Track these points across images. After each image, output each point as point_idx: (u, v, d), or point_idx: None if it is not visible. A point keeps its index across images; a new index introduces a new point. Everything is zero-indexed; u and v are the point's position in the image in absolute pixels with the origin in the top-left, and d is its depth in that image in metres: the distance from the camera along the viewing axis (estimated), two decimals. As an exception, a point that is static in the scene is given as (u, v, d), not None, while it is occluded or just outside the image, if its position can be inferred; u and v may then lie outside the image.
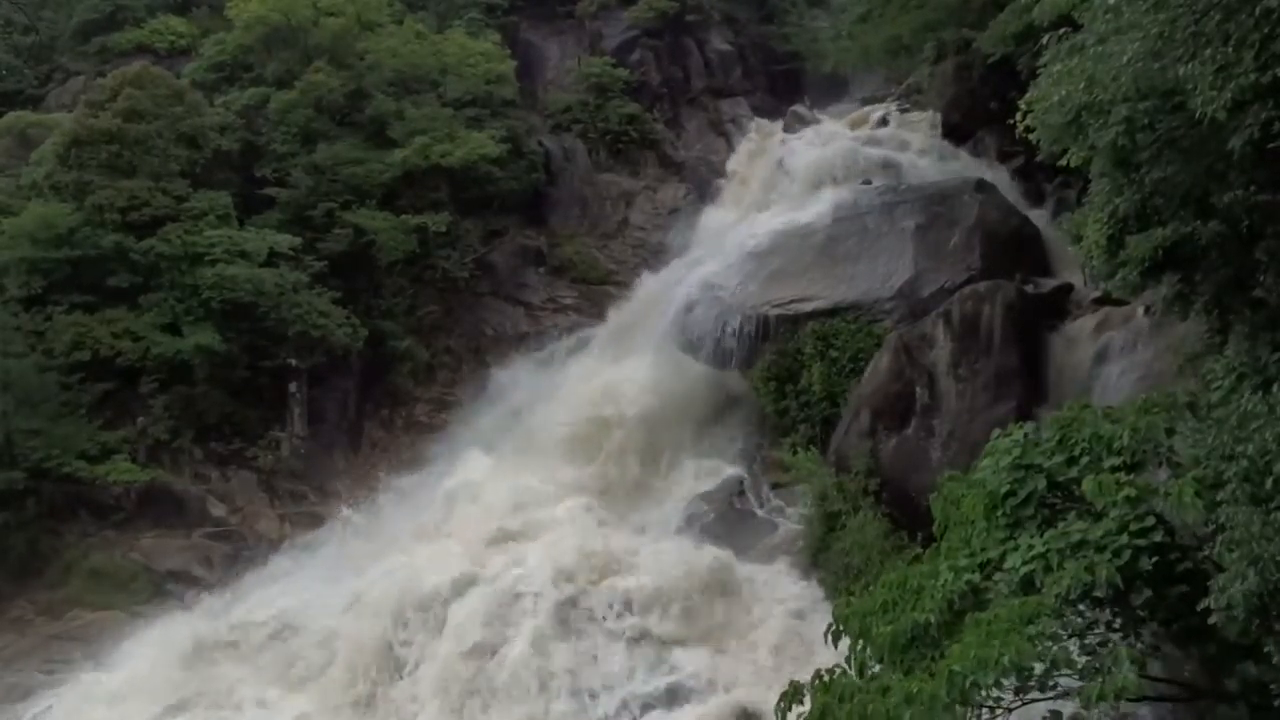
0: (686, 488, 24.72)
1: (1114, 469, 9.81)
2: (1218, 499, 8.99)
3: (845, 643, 10.10)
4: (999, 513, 10.09)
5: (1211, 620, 8.52)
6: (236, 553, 25.52)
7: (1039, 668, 8.64)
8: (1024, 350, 20.03)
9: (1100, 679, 8.51)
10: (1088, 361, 18.98)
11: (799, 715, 9.67)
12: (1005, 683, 8.67)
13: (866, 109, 34.23)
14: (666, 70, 37.66)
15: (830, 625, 10.25)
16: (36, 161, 29.88)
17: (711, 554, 21.61)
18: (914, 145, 29.98)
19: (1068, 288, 21.19)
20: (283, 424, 28.22)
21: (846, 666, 9.74)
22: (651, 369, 25.78)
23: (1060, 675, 8.76)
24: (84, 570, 24.60)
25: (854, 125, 33.02)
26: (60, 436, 25.22)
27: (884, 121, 32.45)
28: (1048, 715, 8.91)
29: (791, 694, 9.66)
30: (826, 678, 9.59)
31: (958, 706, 8.58)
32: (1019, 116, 12.75)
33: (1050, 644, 8.70)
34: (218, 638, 21.90)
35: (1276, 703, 8.64)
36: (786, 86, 39.19)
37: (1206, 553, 8.96)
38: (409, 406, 30.08)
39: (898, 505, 19.49)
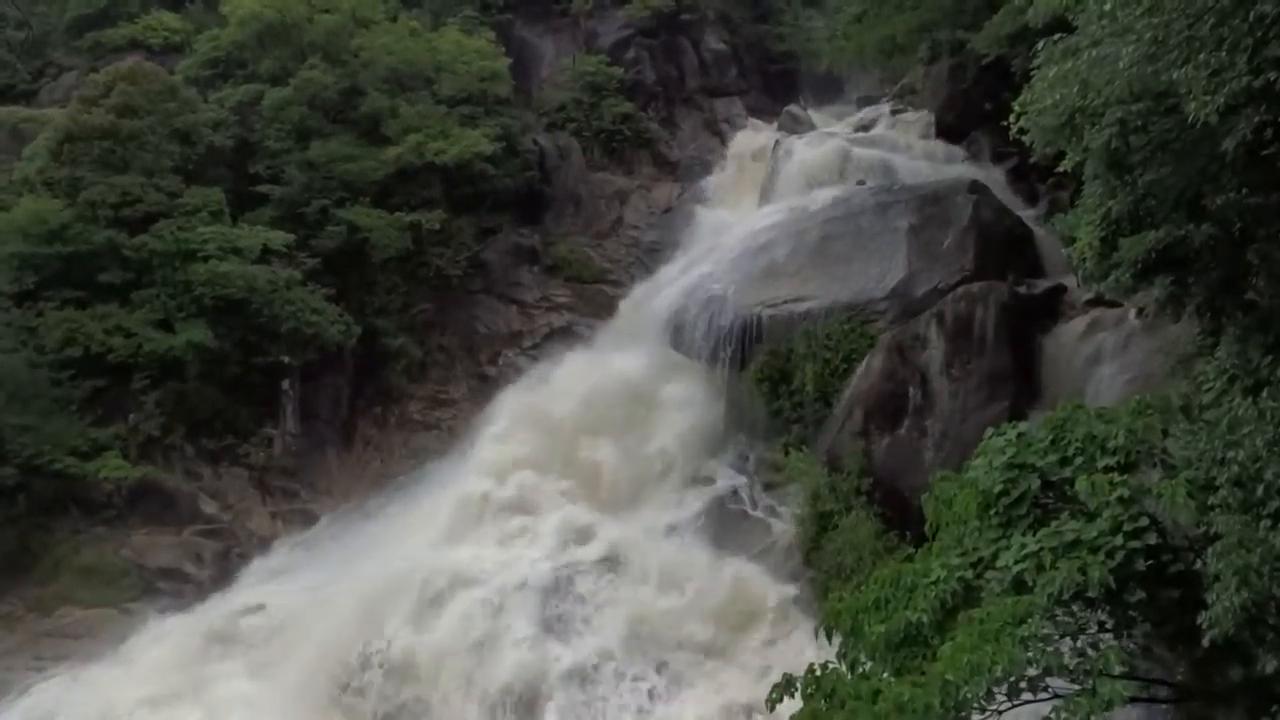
0: (678, 487, 24.72)
1: (1107, 469, 9.82)
2: (1210, 503, 9.02)
3: (837, 639, 10.12)
4: (992, 511, 10.11)
5: (1204, 625, 8.54)
6: (228, 550, 25.48)
7: (1032, 672, 8.66)
8: (1016, 351, 20.08)
9: (1090, 682, 8.52)
10: (1080, 363, 19.03)
11: (791, 715, 9.70)
12: (997, 690, 8.69)
13: (861, 109, 34.29)
14: (661, 69, 37.67)
15: (820, 621, 10.27)
16: (29, 157, 29.78)
17: (703, 553, 21.67)
18: (908, 146, 30.00)
19: (1060, 289, 21.23)
20: (275, 421, 28.17)
21: (839, 663, 9.77)
22: (644, 368, 25.76)
23: (1052, 678, 8.78)
24: (74, 567, 24.53)
25: (848, 125, 33.05)
26: (51, 433, 25.14)
27: (878, 122, 32.46)
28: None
29: (784, 685, 9.71)
30: (819, 671, 9.63)
31: (951, 712, 8.60)
32: (1012, 118, 12.75)
33: (1042, 646, 8.72)
34: (206, 634, 21.85)
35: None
36: (781, 86, 39.23)
37: (1199, 558, 8.98)
38: (402, 404, 30.05)
39: (890, 505, 19.54)
